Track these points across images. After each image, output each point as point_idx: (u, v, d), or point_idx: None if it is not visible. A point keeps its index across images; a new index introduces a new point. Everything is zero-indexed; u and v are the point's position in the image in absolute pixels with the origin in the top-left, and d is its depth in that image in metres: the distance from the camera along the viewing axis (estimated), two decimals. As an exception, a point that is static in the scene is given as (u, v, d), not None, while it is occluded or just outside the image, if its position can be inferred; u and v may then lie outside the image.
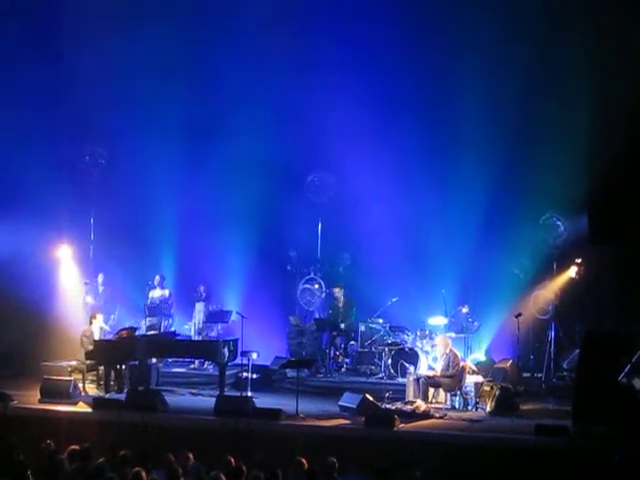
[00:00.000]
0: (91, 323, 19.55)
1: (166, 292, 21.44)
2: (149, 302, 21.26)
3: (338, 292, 21.06)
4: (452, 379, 17.32)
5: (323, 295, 21.63)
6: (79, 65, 21.37)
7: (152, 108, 21.40)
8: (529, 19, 20.00)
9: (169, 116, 21.65)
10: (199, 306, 21.03)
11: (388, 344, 19.42)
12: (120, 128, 21.67)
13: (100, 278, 21.88)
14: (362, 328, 20.71)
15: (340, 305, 20.99)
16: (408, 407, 16.75)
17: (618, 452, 13.06)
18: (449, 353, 17.50)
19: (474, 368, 18.51)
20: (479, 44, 19.95)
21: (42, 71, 21.03)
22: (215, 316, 20.89)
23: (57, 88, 21.39)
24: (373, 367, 20.09)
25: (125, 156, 22.10)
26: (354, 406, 16.45)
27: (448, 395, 17.60)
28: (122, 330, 19.34)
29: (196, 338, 20.58)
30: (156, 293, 21.35)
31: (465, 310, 19.64)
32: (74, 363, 19.05)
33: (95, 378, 19.06)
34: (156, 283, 21.39)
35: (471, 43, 20.09)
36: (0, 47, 20.78)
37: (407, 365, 18.83)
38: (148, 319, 21.09)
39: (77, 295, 21.71)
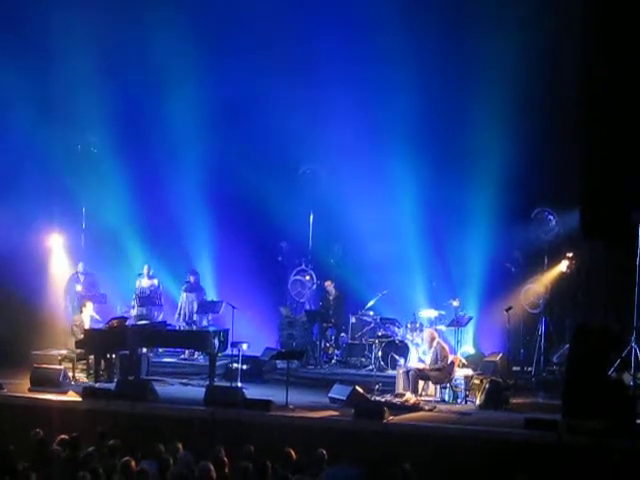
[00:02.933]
0: (81, 312, 19.53)
1: (155, 281, 21.39)
2: (139, 292, 21.20)
3: (329, 285, 21.09)
4: (441, 372, 17.33)
5: (314, 287, 21.61)
6: (70, 56, 21.27)
7: (144, 98, 21.36)
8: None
9: (161, 105, 21.61)
10: (187, 296, 21.01)
11: (378, 336, 19.43)
12: (112, 116, 21.61)
13: (80, 267, 21.75)
14: (353, 320, 20.73)
15: (331, 299, 21.02)
16: (398, 399, 16.77)
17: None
18: (436, 346, 17.51)
19: (464, 361, 18.54)
20: (473, 31, 19.94)
21: (33, 62, 20.97)
22: (206, 306, 20.87)
23: (48, 78, 21.32)
24: (363, 359, 20.08)
25: (117, 145, 22.05)
26: (344, 398, 16.47)
27: (438, 388, 17.62)
28: (112, 319, 19.34)
29: (182, 327, 20.61)
30: (145, 283, 21.28)
31: (456, 303, 19.61)
32: (64, 352, 19.05)
33: (85, 367, 19.04)
34: (145, 272, 21.33)
35: (462, 28, 20.10)
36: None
37: (397, 357, 18.83)
38: (138, 309, 21.05)
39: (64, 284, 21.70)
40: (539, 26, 19.33)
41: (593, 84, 18.69)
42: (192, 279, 21.16)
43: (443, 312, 19.91)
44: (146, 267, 21.35)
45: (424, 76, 20.17)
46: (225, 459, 11.29)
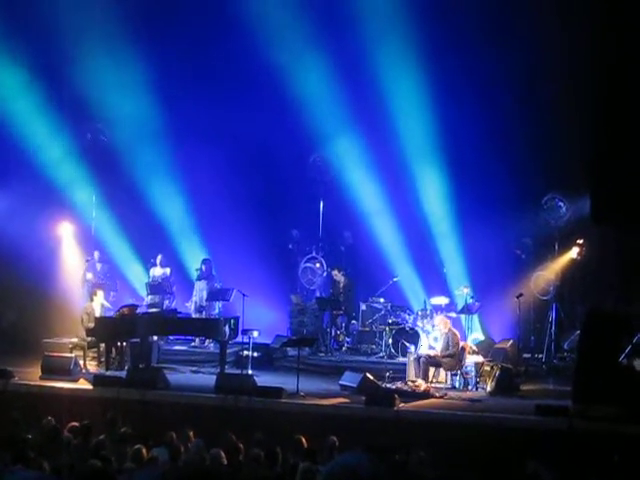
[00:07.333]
0: (92, 300, 19.55)
1: (167, 270, 21.41)
2: (151, 280, 21.24)
3: (337, 275, 21.05)
4: (452, 358, 17.35)
5: (325, 274, 21.62)
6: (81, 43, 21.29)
7: (153, 87, 21.35)
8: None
9: (171, 95, 21.59)
10: (199, 284, 21.01)
11: (389, 323, 19.44)
12: (121, 105, 21.61)
13: (96, 255, 21.86)
14: (363, 307, 20.74)
15: (341, 286, 21.00)
16: (408, 386, 16.78)
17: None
18: (448, 333, 17.54)
19: (475, 348, 18.54)
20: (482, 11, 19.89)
21: (44, 49, 20.98)
22: (216, 294, 20.87)
23: (58, 66, 21.34)
24: (374, 346, 20.10)
25: (127, 133, 22.06)
26: (355, 385, 16.46)
27: (449, 375, 17.63)
28: (123, 307, 19.37)
29: (196, 316, 20.61)
30: (157, 271, 21.31)
31: (466, 290, 19.60)
32: (75, 340, 19.09)
33: (96, 355, 19.05)
34: (157, 261, 21.36)
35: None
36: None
37: (408, 344, 18.86)
38: (149, 297, 21.09)
39: (78, 272, 21.71)
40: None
41: (604, 68, 18.61)
42: (203, 267, 21.12)
43: (454, 299, 19.92)
44: (160, 256, 21.36)
45: (435, 59, 20.11)
46: (240, 445, 11.29)
